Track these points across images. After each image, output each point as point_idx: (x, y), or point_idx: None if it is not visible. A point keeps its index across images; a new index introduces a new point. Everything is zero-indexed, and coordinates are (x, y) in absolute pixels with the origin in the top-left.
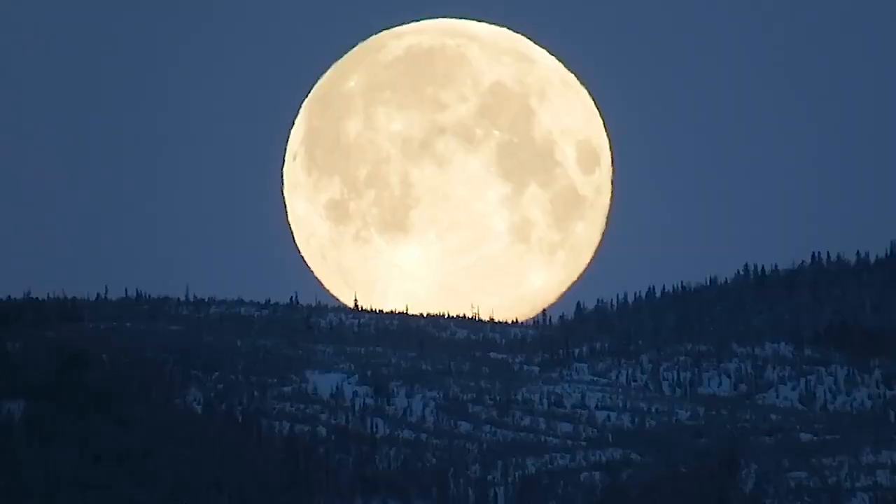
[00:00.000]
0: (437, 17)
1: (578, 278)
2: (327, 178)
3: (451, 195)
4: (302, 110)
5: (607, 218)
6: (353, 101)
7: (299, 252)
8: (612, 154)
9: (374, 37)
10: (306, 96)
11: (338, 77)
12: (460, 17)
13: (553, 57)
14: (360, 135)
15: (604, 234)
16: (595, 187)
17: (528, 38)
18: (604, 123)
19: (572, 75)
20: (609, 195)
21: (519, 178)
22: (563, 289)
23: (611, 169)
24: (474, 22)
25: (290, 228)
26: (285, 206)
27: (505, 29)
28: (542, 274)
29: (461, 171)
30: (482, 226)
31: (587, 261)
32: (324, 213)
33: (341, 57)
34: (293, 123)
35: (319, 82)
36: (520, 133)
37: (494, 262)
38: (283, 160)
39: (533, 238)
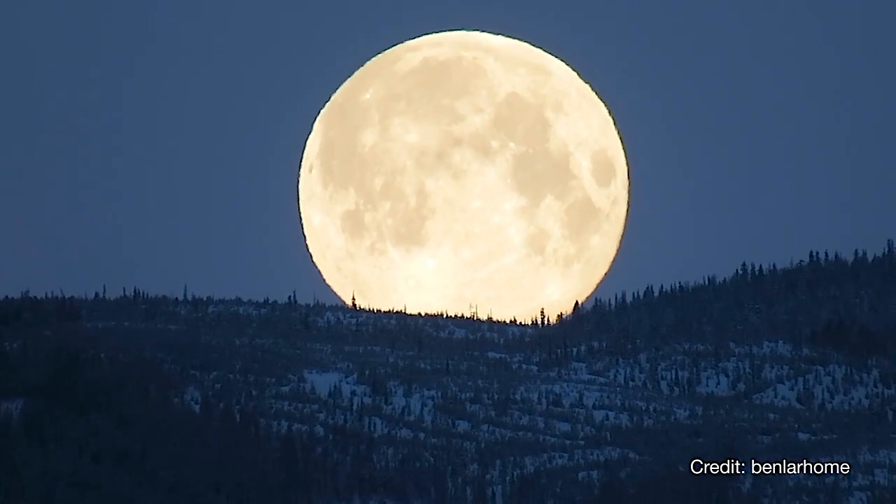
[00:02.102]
0: (453, 30)
1: (596, 289)
2: (343, 189)
3: (466, 207)
4: (318, 121)
5: (623, 229)
6: (368, 112)
7: (312, 259)
8: (627, 165)
9: (390, 49)
10: (323, 106)
11: (354, 88)
12: (476, 30)
13: (569, 68)
14: (376, 146)
15: (620, 245)
16: (611, 199)
17: (544, 50)
18: (619, 135)
19: (588, 87)
20: (625, 206)
21: (534, 190)
22: (580, 301)
23: (627, 180)
24: (490, 34)
25: (305, 238)
26: (298, 211)
27: (520, 41)
28: (558, 286)
29: (477, 182)
30: (498, 238)
31: (603, 273)
32: (339, 225)
33: (358, 68)
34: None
35: (335, 93)
36: (535, 145)
37: (510, 274)
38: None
39: (548, 250)
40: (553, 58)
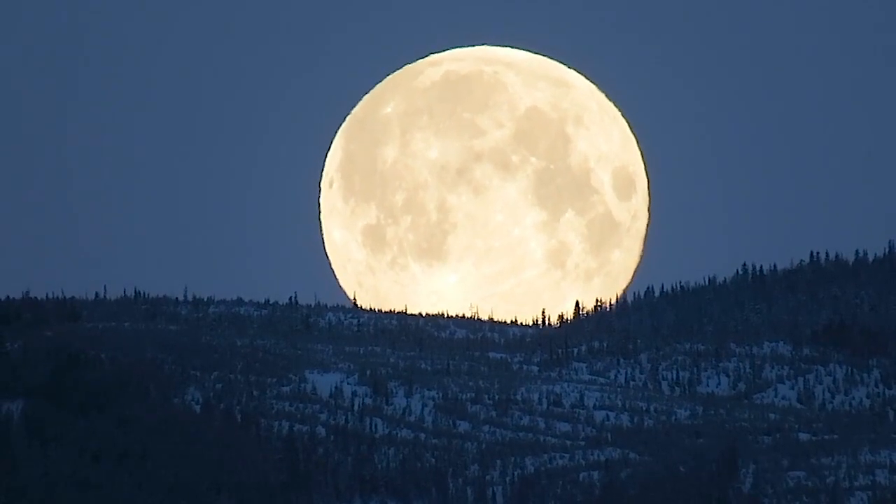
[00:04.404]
0: (474, 45)
1: (616, 300)
2: (364, 204)
3: (488, 222)
4: (338, 135)
5: (644, 244)
6: (389, 126)
7: (334, 273)
8: (648, 179)
9: (411, 63)
10: (343, 120)
11: (374, 102)
12: (497, 45)
13: (589, 81)
14: (397, 161)
15: (641, 259)
16: (631, 213)
17: (564, 64)
18: (640, 148)
19: (609, 100)
20: (646, 221)
21: (555, 205)
22: (581, 302)
23: (647, 194)
24: (511, 49)
25: (325, 251)
26: (319, 222)
27: (541, 55)
28: (579, 300)
29: (498, 197)
30: (519, 252)
31: (623, 286)
32: (360, 240)
33: (378, 82)
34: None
35: (356, 107)
36: (556, 160)
37: (531, 289)
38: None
39: (569, 264)
40: (573, 71)
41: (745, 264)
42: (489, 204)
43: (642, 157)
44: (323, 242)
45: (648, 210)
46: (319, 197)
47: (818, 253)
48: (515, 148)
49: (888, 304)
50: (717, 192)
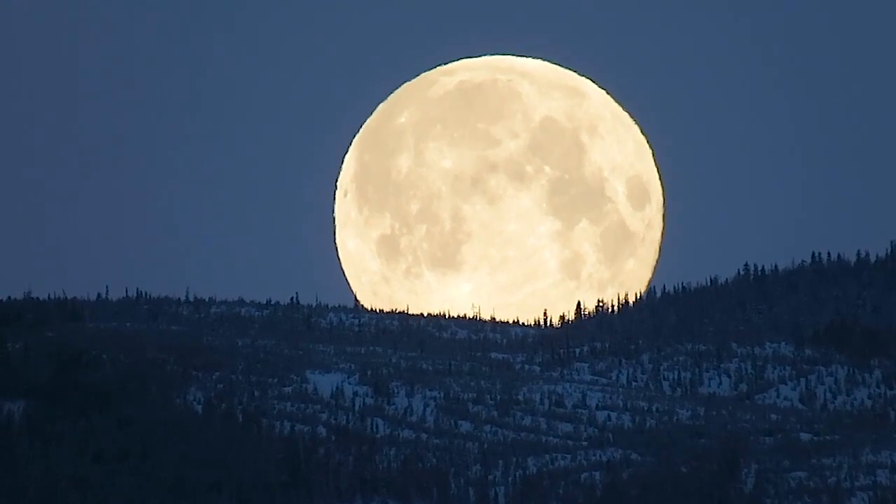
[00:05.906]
0: (488, 54)
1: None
2: (378, 214)
3: (502, 231)
4: (352, 145)
5: (658, 253)
6: (403, 136)
7: (349, 283)
8: (662, 188)
9: (425, 73)
10: (357, 130)
11: (388, 112)
12: (511, 54)
13: (603, 90)
14: (411, 171)
15: (655, 269)
16: (645, 223)
17: (578, 73)
18: (654, 156)
19: (623, 110)
20: (660, 230)
21: (569, 215)
22: (582, 303)
23: (662, 203)
24: (525, 58)
25: (340, 262)
26: (334, 230)
27: (555, 64)
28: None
29: (512, 207)
30: (533, 262)
31: (637, 296)
32: (375, 249)
33: (392, 92)
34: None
35: (370, 117)
36: (570, 170)
37: (545, 298)
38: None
39: (583, 274)
40: (587, 80)
41: (746, 265)
42: (503, 213)
43: (656, 164)
44: (337, 251)
45: (663, 219)
46: (333, 204)
47: (820, 253)
48: (530, 158)
49: (890, 305)
50: (719, 193)
